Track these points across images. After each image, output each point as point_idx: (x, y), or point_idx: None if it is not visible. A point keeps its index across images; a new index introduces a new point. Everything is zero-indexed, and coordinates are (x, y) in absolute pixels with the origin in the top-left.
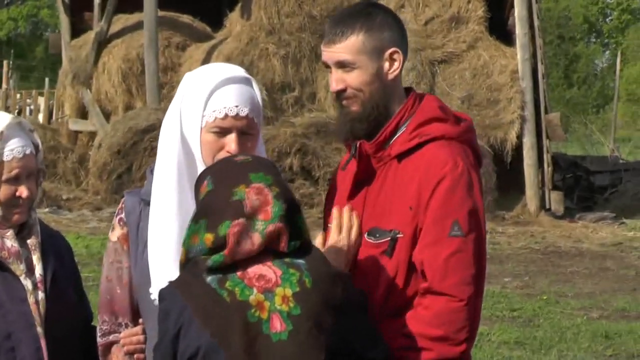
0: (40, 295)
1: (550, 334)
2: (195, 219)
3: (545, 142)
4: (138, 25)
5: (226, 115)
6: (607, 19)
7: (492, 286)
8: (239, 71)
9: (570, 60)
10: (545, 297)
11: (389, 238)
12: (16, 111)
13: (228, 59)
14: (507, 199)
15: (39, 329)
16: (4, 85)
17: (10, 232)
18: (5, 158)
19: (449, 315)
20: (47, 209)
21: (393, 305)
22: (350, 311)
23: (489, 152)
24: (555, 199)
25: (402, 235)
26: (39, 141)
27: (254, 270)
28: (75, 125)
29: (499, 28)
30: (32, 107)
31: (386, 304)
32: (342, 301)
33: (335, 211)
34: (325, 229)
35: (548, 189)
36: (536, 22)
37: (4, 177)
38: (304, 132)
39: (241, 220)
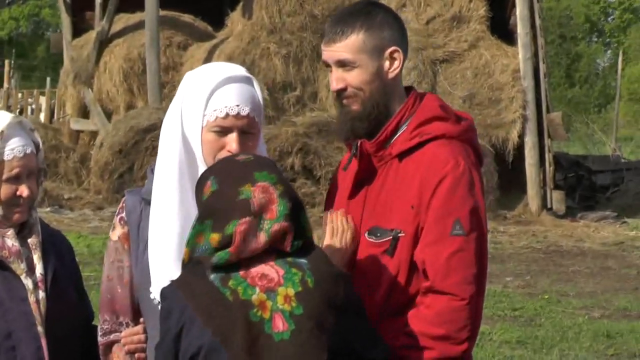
0: (41, 294)
1: (552, 333)
2: (200, 219)
3: (547, 141)
4: (139, 25)
5: (227, 115)
6: (609, 18)
7: (493, 285)
8: (240, 70)
9: (572, 59)
10: (546, 297)
11: (391, 237)
12: (18, 111)
13: (229, 59)
14: (509, 198)
15: (40, 328)
16: (5, 85)
17: (10, 232)
18: (5, 157)
19: (450, 314)
20: (48, 209)
21: (395, 304)
22: (351, 311)
23: (490, 152)
24: (557, 199)
25: (403, 235)
26: (39, 140)
27: (257, 269)
28: (76, 124)
29: (501, 27)
30: (33, 106)
31: (388, 303)
32: (343, 301)
33: (329, 215)
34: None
35: (550, 189)
36: (538, 22)
37: (4, 177)
38: (306, 132)
39: (248, 218)
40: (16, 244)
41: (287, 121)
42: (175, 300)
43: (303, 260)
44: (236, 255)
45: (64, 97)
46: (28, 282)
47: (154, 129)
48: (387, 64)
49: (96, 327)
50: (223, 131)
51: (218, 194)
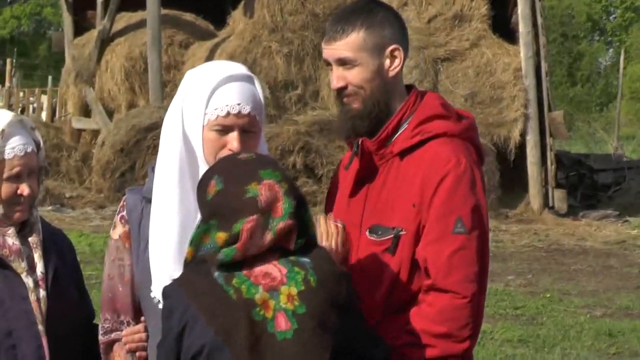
0: (42, 293)
1: (554, 332)
2: (206, 218)
3: (548, 140)
4: (141, 24)
5: (228, 113)
6: (611, 17)
7: (495, 284)
8: (241, 69)
9: (573, 58)
10: (548, 295)
11: (392, 235)
12: (19, 109)
13: (231, 57)
14: (511, 197)
15: (40, 327)
16: (7, 84)
17: (11, 230)
18: (6, 156)
19: (452, 312)
20: (50, 207)
21: (396, 302)
22: (352, 310)
23: (492, 150)
24: (558, 197)
25: (405, 233)
26: (40, 139)
27: (260, 268)
28: (78, 123)
29: (502, 26)
30: (35, 105)
31: (389, 301)
32: (345, 300)
33: (320, 219)
34: None
35: (551, 187)
36: (539, 20)
37: (5, 175)
38: (307, 130)
39: (255, 216)
40: (17, 242)
41: (289, 120)
42: (178, 298)
43: (306, 259)
44: (242, 252)
45: (65, 96)
46: (29, 281)
47: (156, 127)
48: (387, 62)
49: (97, 326)
50: (224, 130)
51: (224, 193)
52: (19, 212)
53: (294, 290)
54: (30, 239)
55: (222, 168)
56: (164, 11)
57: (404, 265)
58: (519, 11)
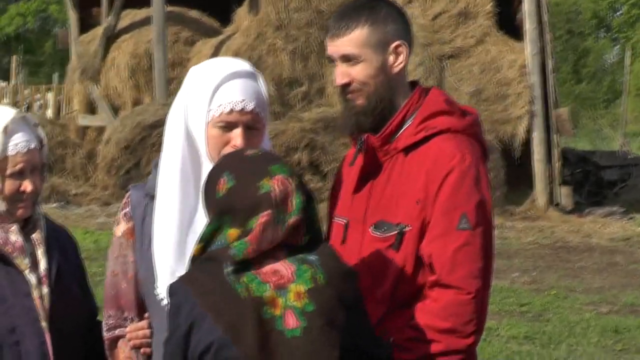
0: (45, 289)
1: (560, 329)
2: (217, 216)
3: (554, 137)
4: (146, 21)
5: (232, 110)
6: (617, 14)
7: (500, 281)
8: (245, 65)
9: (579, 55)
10: (554, 292)
11: (397, 231)
12: (25, 106)
13: (236, 54)
14: (516, 194)
15: (44, 324)
16: (12, 81)
17: (14, 227)
18: (9, 152)
19: (456, 308)
20: (55, 204)
21: (400, 298)
22: (358, 308)
23: (497, 147)
24: (564, 194)
25: (409, 229)
26: (43, 136)
27: (269, 266)
28: (83, 120)
29: (508, 23)
30: (40, 102)
31: (393, 297)
32: (352, 298)
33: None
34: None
35: (557, 184)
36: (545, 17)
37: (8, 172)
38: (312, 127)
39: (269, 211)
40: (20, 239)
41: (294, 117)
42: (185, 296)
43: (313, 257)
44: (254, 246)
45: (71, 93)
46: (32, 278)
47: (161, 124)
48: (391, 58)
49: (100, 322)
50: (228, 126)
51: (236, 190)
52: (22, 208)
53: (302, 288)
54: (33, 235)
55: (230, 165)
56: (169, 8)
57: (409, 261)
58: (525, 8)
